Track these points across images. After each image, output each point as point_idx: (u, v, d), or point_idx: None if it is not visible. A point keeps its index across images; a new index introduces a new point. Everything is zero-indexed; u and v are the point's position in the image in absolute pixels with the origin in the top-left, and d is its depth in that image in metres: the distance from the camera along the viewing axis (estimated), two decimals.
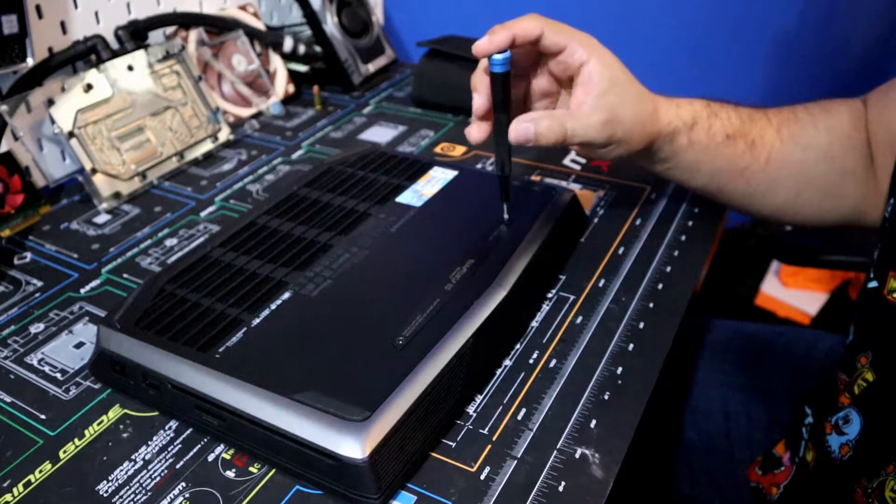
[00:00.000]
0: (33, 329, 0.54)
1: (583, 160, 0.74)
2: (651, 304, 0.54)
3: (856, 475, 0.47)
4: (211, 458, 0.43)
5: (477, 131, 0.53)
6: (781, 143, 0.58)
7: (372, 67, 0.95)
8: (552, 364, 0.49)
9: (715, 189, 0.60)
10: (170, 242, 0.64)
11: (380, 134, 0.83)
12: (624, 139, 0.52)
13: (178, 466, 0.42)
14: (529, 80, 0.55)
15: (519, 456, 0.42)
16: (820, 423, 0.52)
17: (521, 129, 0.50)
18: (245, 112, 0.86)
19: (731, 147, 0.57)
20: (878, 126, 0.56)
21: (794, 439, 0.58)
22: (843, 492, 0.47)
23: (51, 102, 0.66)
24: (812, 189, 0.59)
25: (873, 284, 0.48)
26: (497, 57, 0.47)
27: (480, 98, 0.52)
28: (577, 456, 0.42)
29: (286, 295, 0.48)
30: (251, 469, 0.42)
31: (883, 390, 0.46)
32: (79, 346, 0.52)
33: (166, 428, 0.45)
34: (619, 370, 0.48)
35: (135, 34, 0.76)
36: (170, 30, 0.82)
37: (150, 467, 0.42)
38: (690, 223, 0.64)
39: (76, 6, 0.72)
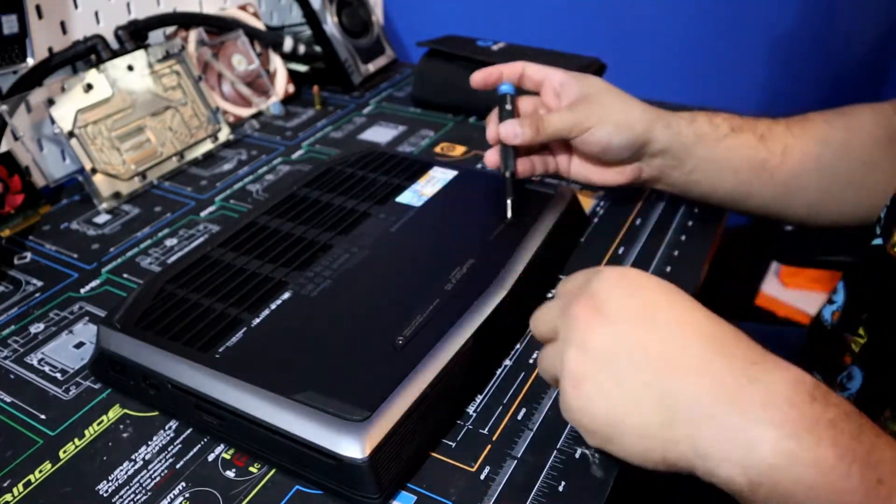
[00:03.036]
0: (33, 329, 0.54)
1: None
2: None
3: None
4: (211, 458, 0.43)
5: (492, 154, 0.59)
6: (794, 138, 0.58)
7: (372, 67, 0.95)
8: None
9: (745, 192, 0.60)
10: (170, 242, 0.64)
11: (380, 134, 0.83)
12: (604, 119, 0.56)
13: (178, 466, 0.42)
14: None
15: (519, 456, 0.42)
16: (828, 385, 0.53)
17: (508, 127, 0.56)
18: (245, 112, 0.86)
19: (739, 138, 0.58)
20: None
21: None
22: None
23: (51, 102, 0.66)
24: (839, 184, 0.58)
25: (878, 241, 0.49)
26: (502, 87, 0.60)
27: (491, 131, 0.58)
28: (577, 456, 0.42)
29: (286, 295, 0.48)
30: (251, 469, 0.42)
31: (875, 345, 0.48)
32: (79, 346, 0.52)
33: (166, 428, 0.45)
34: None
35: (135, 34, 0.76)
36: (170, 30, 0.82)
37: (150, 467, 0.42)
38: (690, 223, 0.64)
39: (76, 6, 0.72)
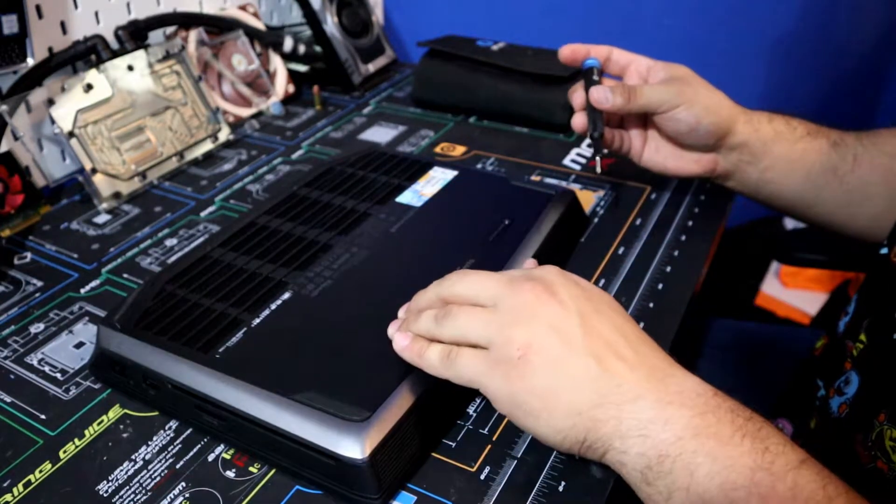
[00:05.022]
0: (33, 329, 0.54)
1: (582, 160, 0.74)
2: (651, 304, 0.54)
3: (852, 430, 0.48)
4: (211, 458, 0.43)
5: (579, 118, 0.61)
6: (864, 148, 0.58)
7: (372, 67, 0.95)
8: None
9: (812, 195, 0.60)
10: (170, 242, 0.64)
11: (380, 134, 0.83)
12: (695, 100, 0.57)
13: (178, 466, 0.42)
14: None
15: (519, 456, 0.42)
16: (827, 391, 0.53)
17: (600, 91, 0.58)
18: (245, 112, 0.86)
19: (814, 142, 0.59)
20: None
21: (799, 413, 0.58)
22: (844, 449, 0.48)
23: (51, 102, 0.66)
24: None
25: (884, 251, 0.50)
26: (588, 61, 0.62)
27: (578, 97, 0.61)
28: (577, 456, 0.42)
29: (286, 295, 0.48)
30: (251, 469, 0.42)
31: (874, 350, 0.48)
32: (79, 346, 0.52)
33: (166, 428, 0.45)
34: None
35: (135, 34, 0.76)
36: (170, 30, 0.82)
37: (150, 467, 0.42)
38: (690, 223, 0.64)
39: (76, 6, 0.72)
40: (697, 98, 0.57)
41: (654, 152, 0.62)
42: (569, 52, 0.62)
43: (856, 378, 0.50)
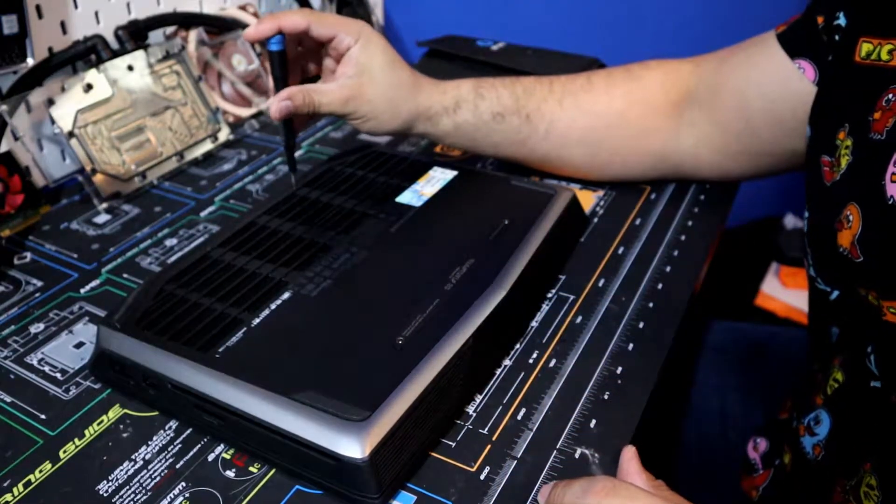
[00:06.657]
0: (33, 329, 0.54)
1: None
2: (651, 304, 0.54)
3: (832, 475, 0.47)
4: (211, 458, 0.43)
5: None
6: (563, 111, 0.62)
7: None
8: (552, 364, 0.49)
9: (504, 157, 0.66)
10: (170, 242, 0.64)
11: None
12: (370, 116, 0.58)
13: (178, 466, 0.42)
14: (321, 64, 0.61)
15: (519, 456, 0.42)
16: (796, 425, 0.52)
17: (281, 106, 0.54)
18: (245, 112, 0.86)
19: (502, 123, 0.61)
20: (722, 85, 0.59)
21: (775, 441, 0.58)
22: (822, 492, 0.47)
23: (51, 102, 0.66)
24: (607, 150, 0.63)
25: (834, 295, 0.48)
26: (273, 40, 0.55)
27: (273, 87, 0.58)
28: (576, 456, 0.42)
29: (286, 295, 0.48)
30: (251, 469, 0.42)
31: (850, 391, 0.47)
32: (79, 346, 0.52)
33: (166, 428, 0.45)
34: (619, 370, 0.48)
35: (135, 34, 0.76)
36: (170, 30, 0.82)
37: (150, 467, 0.42)
38: (690, 223, 0.64)
39: (76, 6, 0.72)
40: (374, 112, 0.57)
41: None
42: (253, 32, 0.54)
43: (827, 419, 0.49)
